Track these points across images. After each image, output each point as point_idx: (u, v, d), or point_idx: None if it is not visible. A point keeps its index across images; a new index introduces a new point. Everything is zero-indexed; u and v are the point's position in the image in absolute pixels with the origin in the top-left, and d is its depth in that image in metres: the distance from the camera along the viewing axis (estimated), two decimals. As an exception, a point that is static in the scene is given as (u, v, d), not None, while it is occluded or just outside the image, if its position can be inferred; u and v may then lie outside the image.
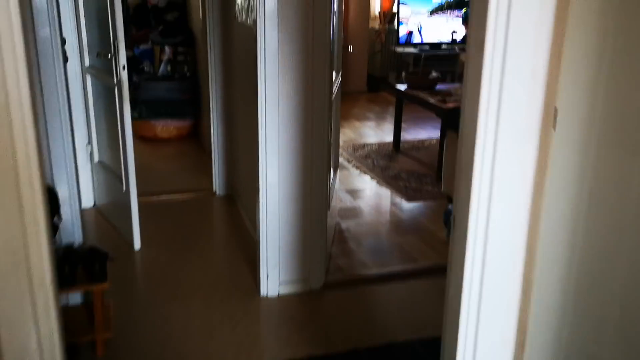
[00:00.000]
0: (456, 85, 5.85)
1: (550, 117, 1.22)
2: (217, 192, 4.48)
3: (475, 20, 1.25)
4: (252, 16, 3.18)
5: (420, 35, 8.18)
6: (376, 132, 6.45)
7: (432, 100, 4.94)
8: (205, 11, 4.36)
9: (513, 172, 1.31)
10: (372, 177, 4.94)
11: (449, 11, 8.23)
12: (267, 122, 2.86)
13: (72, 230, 2.88)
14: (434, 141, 6.00)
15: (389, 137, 6.13)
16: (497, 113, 1.24)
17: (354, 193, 4.61)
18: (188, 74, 5.67)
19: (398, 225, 4.08)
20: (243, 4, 3.50)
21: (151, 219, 3.93)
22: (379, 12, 8.49)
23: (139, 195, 3.56)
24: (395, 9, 8.35)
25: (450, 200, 4.43)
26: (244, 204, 4.04)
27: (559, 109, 1.18)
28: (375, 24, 8.59)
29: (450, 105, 4.78)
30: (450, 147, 4.33)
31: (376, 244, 3.76)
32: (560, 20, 1.16)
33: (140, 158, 4.83)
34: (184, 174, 4.92)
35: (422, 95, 5.11)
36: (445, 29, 8.24)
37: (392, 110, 7.44)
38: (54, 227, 2.71)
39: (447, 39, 8.23)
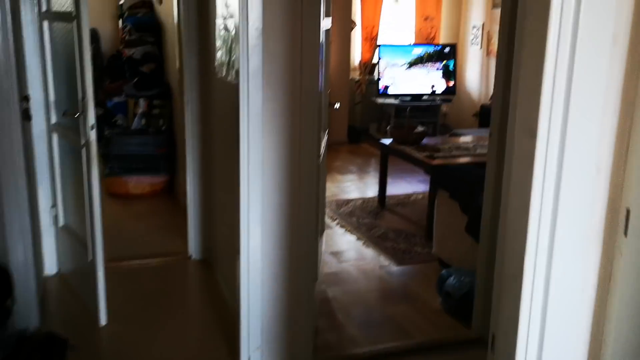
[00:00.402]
0: (442, 139, 5.68)
1: (615, 219, 0.98)
2: (193, 256, 4.16)
3: (525, 98, 1.01)
4: (234, 73, 2.96)
5: (400, 87, 8.09)
6: (359, 187, 6.22)
7: (419, 156, 4.74)
8: (182, 64, 4.14)
9: (572, 288, 1.05)
10: (358, 238, 4.67)
11: (428, 63, 8.18)
12: (249, 185, 2.60)
13: (28, 312, 2.55)
14: (420, 196, 5.78)
15: (372, 192, 5.91)
16: (552, 216, 1.00)
17: (339, 255, 4.33)
18: (163, 127, 5.40)
19: (389, 292, 3.80)
20: (223, 59, 3.28)
21: (120, 288, 3.59)
22: (359, 63, 8.40)
23: (107, 261, 3.24)
24: (375, 60, 8.27)
25: (443, 263, 4.20)
26: (222, 271, 3.72)
27: (632, 211, 0.95)
28: (356, 75, 8.49)
29: (439, 161, 4.58)
30: (440, 206, 4.11)
31: (366, 316, 3.46)
32: (628, 106, 0.94)
33: (111, 217, 4.51)
34: (156, 236, 4.59)
35: (409, 150, 4.92)
36: (426, 80, 8.16)
37: (374, 162, 7.25)
38: (6, 312, 2.38)
39: (427, 90, 8.15)
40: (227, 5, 3.13)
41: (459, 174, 3.92)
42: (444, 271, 3.66)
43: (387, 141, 5.31)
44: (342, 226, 4.91)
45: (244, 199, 2.58)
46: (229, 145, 3.13)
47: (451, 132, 6.41)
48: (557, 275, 1.04)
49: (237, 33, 2.53)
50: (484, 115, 7.81)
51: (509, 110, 1.13)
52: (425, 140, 5.23)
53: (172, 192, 5.49)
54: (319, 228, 3.36)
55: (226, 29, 3.16)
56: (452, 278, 3.53)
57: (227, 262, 3.57)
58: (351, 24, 7.95)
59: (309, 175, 2.63)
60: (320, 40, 2.63)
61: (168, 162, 5.43)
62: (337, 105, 3.48)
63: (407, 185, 6.17)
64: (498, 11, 8.06)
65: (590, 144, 0.95)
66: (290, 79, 2.51)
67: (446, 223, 4.02)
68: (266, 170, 2.58)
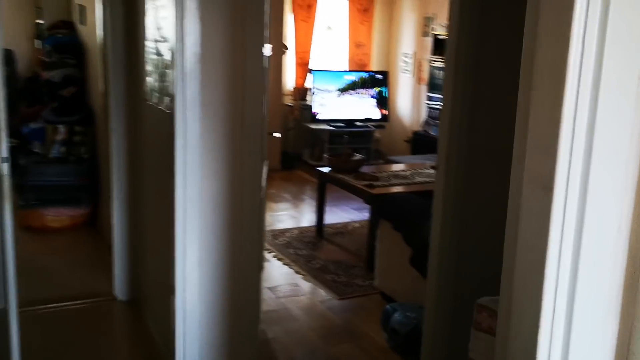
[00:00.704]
0: (379, 166, 5.61)
1: (636, 282, 0.86)
2: (119, 297, 3.83)
3: (536, 147, 0.86)
4: (167, 100, 2.73)
5: (333, 113, 8.03)
6: (295, 215, 6.04)
7: (359, 185, 4.63)
8: (107, 88, 3.85)
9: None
10: (296, 271, 4.47)
11: (361, 90, 8.18)
12: (186, 221, 2.38)
13: None
14: (358, 224, 5.67)
15: (308, 220, 5.74)
16: (571, 280, 0.86)
17: (277, 290, 4.12)
18: (86, 156, 5.04)
19: (332, 330, 3.61)
20: (154, 84, 3.04)
21: (37, 336, 3.22)
22: (293, 88, 8.28)
23: (22, 306, 2.88)
24: (308, 85, 8.18)
25: (386, 297, 4.07)
26: (153, 313, 3.42)
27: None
28: (289, 100, 8.36)
29: (379, 191, 4.48)
30: (383, 237, 3.99)
31: (310, 357, 3.26)
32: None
33: (26, 254, 4.10)
34: (78, 274, 4.21)
35: (348, 179, 4.80)
36: (359, 106, 8.15)
37: (309, 189, 7.10)
38: None
39: (360, 116, 8.14)
40: (158, 28, 2.91)
41: (401, 204, 3.83)
42: (388, 306, 3.52)
43: (325, 169, 5.17)
44: (279, 258, 4.71)
45: (180, 237, 2.35)
46: (161, 177, 2.89)
47: (386, 159, 6.37)
48: (576, 345, 0.90)
49: (172, 58, 2.32)
50: (416, 142, 7.87)
51: (513, 158, 0.98)
52: (363, 168, 5.13)
53: (95, 226, 5.11)
54: (260, 264, 3.15)
55: (158, 53, 2.93)
56: (397, 313, 3.39)
57: (158, 303, 3.28)
58: (283, 48, 7.84)
59: (252, 210, 2.44)
60: (263, 68, 2.47)
61: (91, 193, 5.06)
62: (276, 134, 3.31)
63: (343, 214, 6.05)
64: (428, 40, 8.27)
65: (613, 198, 0.83)
66: (231, 108, 2.32)
67: (389, 255, 3.91)
68: (205, 206, 2.36)
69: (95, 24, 4.43)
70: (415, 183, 4.76)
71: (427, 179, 4.87)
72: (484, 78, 2.79)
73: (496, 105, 2.86)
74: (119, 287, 3.83)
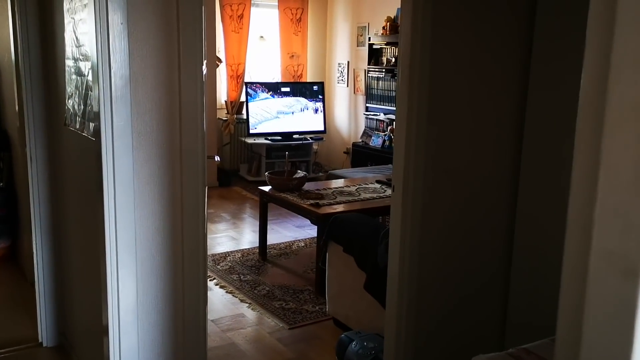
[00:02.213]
0: (322, 183, 5.41)
1: None
2: (45, 343, 3.42)
3: (610, 223, 0.64)
4: (91, 127, 2.41)
5: (269, 126, 7.79)
6: (235, 236, 5.74)
7: (304, 205, 4.40)
8: (23, 110, 3.45)
9: None
10: (241, 299, 4.19)
11: (297, 102, 7.98)
12: (120, 269, 2.06)
13: None
14: (302, 244, 5.44)
15: (249, 241, 5.47)
16: None
17: (222, 323, 3.82)
18: (1, 184, 4.56)
19: (284, 365, 3.36)
20: (76, 109, 2.71)
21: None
22: (226, 102, 7.98)
23: None
24: (243, 99, 7.90)
25: (338, 324, 3.84)
26: (84, 359, 3.06)
27: None
28: (223, 114, 8.04)
29: (326, 210, 4.27)
30: (333, 261, 3.77)
31: (263, 400, 3.00)
32: None
33: None
34: (-4, 319, 3.76)
35: (292, 198, 4.56)
36: (295, 119, 7.94)
37: (248, 207, 6.82)
38: None
39: (297, 129, 7.93)
40: (77, 45, 2.58)
41: (351, 225, 3.63)
42: (343, 336, 3.30)
43: (265, 188, 4.91)
44: (221, 286, 4.40)
45: (112, 277, 2.04)
46: (87, 211, 2.56)
47: (328, 173, 6.18)
48: None
49: (95, 80, 2.01)
50: (356, 154, 7.74)
51: (569, 223, 0.77)
52: (306, 186, 4.91)
53: (15, 261, 4.63)
54: (205, 299, 2.86)
55: (79, 73, 2.60)
56: (354, 344, 3.18)
57: (89, 348, 2.93)
58: (216, 61, 7.53)
59: (195, 248, 2.16)
60: (201, 87, 2.20)
61: (8, 225, 4.58)
62: (217, 158, 3.03)
63: (286, 232, 5.80)
64: (363, 49, 8.18)
65: None
66: (168, 134, 2.04)
67: (340, 279, 3.70)
68: (141, 246, 2.07)
69: (8, 38, 4.01)
70: (362, 200, 4.58)
71: (374, 195, 4.71)
72: (440, 91, 2.63)
73: (453, 119, 2.72)
74: (45, 331, 3.43)
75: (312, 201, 4.44)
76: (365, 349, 3.11)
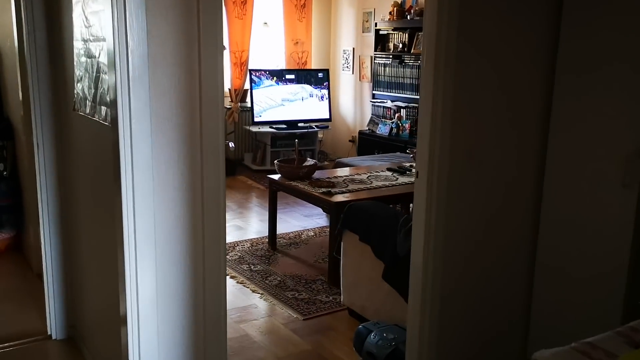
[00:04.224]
0: (330, 171, 5.30)
1: None
2: (54, 335, 3.33)
3: None
4: (103, 110, 2.30)
5: (274, 114, 7.68)
6: (243, 226, 5.64)
7: (315, 193, 4.30)
8: (28, 97, 3.33)
9: None
10: (253, 290, 4.10)
11: (302, 89, 7.86)
12: (138, 258, 1.96)
13: None
14: (312, 233, 5.35)
15: (257, 230, 5.37)
16: None
17: (235, 314, 3.73)
18: (5, 173, 4.45)
19: (301, 357, 3.27)
20: (86, 92, 2.59)
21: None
22: (230, 90, 7.85)
23: None
24: (247, 86, 7.78)
25: (354, 314, 3.75)
26: (96, 354, 2.97)
27: None
28: (227, 102, 7.91)
29: (340, 198, 4.17)
30: (348, 250, 3.68)
31: (282, 393, 2.91)
32: None
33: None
34: (4, 310, 3.67)
35: (302, 187, 4.46)
36: (300, 107, 7.83)
37: (254, 196, 6.72)
38: None
39: (302, 117, 7.82)
40: (87, 25, 2.47)
41: (367, 213, 3.53)
42: (361, 327, 3.21)
43: (275, 177, 4.81)
44: (232, 276, 4.31)
45: (131, 268, 1.95)
46: (101, 198, 2.45)
47: (335, 162, 6.07)
48: None
49: (112, 61, 1.90)
50: (362, 143, 7.63)
51: None
52: (316, 174, 4.81)
53: (21, 252, 4.53)
54: (224, 290, 2.76)
55: (89, 55, 2.48)
56: (372, 335, 3.09)
57: (102, 340, 2.84)
58: (219, 49, 7.39)
59: (215, 237, 2.06)
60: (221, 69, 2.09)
61: (14, 215, 4.47)
62: (231, 145, 2.93)
63: (294, 222, 5.70)
64: (369, 36, 8.04)
65: None
66: (188, 119, 1.94)
67: (356, 269, 3.60)
68: (160, 235, 1.97)
69: (11, 23, 3.89)
70: (375, 188, 4.48)
71: (386, 183, 4.61)
72: (466, 73, 2.52)
73: (478, 102, 2.61)
74: (54, 324, 3.34)
75: (323, 189, 4.34)
76: (385, 340, 3.03)
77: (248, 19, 7.72)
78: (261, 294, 4.03)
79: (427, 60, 2.51)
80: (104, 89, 2.32)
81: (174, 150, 1.93)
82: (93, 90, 2.51)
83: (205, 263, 2.05)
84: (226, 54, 7.74)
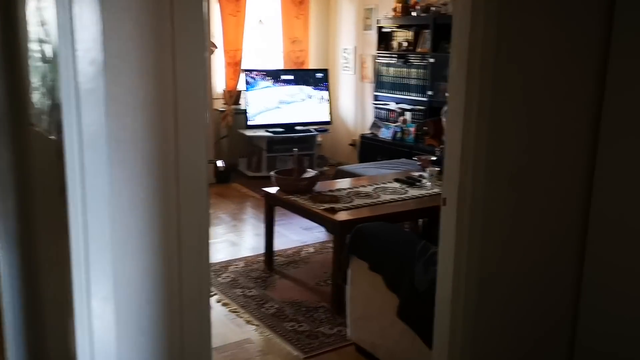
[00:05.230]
0: (333, 181, 4.85)
1: None
2: (16, 383, 2.87)
3: None
4: (57, 129, 1.84)
5: (270, 117, 7.21)
6: (236, 241, 5.18)
7: (317, 209, 3.84)
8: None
9: None
10: (247, 320, 3.64)
11: (300, 90, 7.40)
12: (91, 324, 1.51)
13: None
14: (311, 249, 4.90)
15: (252, 247, 4.92)
16: None
17: (226, 351, 3.28)
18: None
19: (303, 408, 2.82)
20: (42, 104, 2.14)
21: None
22: (223, 91, 7.38)
23: None
24: (241, 87, 7.31)
25: (362, 351, 3.27)
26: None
27: None
28: (219, 105, 7.45)
29: (344, 216, 3.72)
30: (356, 278, 3.23)
31: None
32: None
33: None
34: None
35: (302, 202, 4.00)
36: (298, 109, 7.36)
37: (249, 206, 6.27)
38: None
39: (300, 119, 7.35)
40: (42, 23, 2.01)
41: (378, 237, 3.08)
42: (373, 369, 2.77)
43: (272, 190, 4.35)
44: (224, 303, 3.85)
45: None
46: (60, 236, 2.00)
47: (336, 170, 5.62)
48: None
49: (57, 67, 1.44)
50: (364, 147, 7.18)
51: None
52: (317, 187, 4.36)
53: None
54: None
55: (44, 59, 2.03)
56: (387, 384, 2.64)
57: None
58: (211, 47, 6.93)
59: (196, 296, 1.61)
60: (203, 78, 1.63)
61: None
62: (220, 163, 2.47)
63: (292, 236, 5.25)
64: (370, 33, 7.57)
65: None
66: (159, 143, 1.48)
67: (365, 301, 3.15)
68: (123, 297, 1.51)
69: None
70: (382, 203, 4.03)
71: (395, 197, 4.16)
72: (505, 79, 2.08)
73: (522, 113, 2.17)
74: (15, 367, 2.87)
75: (326, 205, 3.88)
76: (402, 392, 2.58)
77: (242, 16, 7.26)
78: (257, 325, 3.57)
79: (457, 63, 2.06)
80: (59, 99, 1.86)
81: (141, 185, 1.48)
82: (49, 102, 2.05)
83: (183, 331, 1.60)
84: (220, 54, 7.27)
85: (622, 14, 2.20)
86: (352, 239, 3.18)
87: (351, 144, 7.80)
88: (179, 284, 1.54)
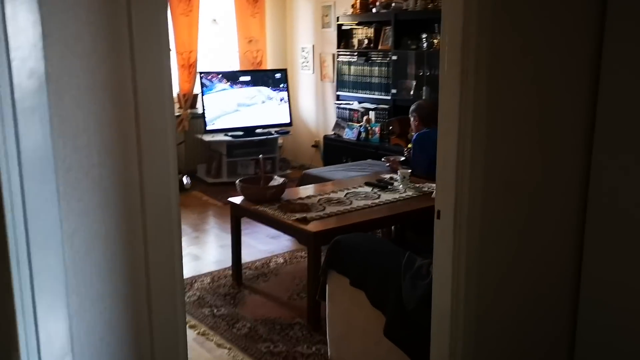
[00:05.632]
0: (301, 188, 4.62)
1: None
2: None
3: None
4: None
5: (229, 121, 6.93)
6: (201, 255, 4.90)
7: (288, 220, 3.61)
8: None
9: None
10: (218, 343, 3.38)
11: (258, 91, 7.14)
12: None
13: None
14: (281, 259, 4.66)
15: (217, 260, 4.65)
16: None
17: (198, 380, 3.01)
18: None
19: None
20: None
21: None
22: (178, 95, 7.05)
23: None
24: (197, 91, 7.00)
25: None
26: None
27: None
28: (175, 109, 7.10)
29: (317, 226, 3.49)
30: (335, 295, 3.01)
31: None
32: None
33: None
34: None
35: (271, 213, 3.76)
36: (258, 111, 7.10)
37: (210, 216, 5.97)
38: None
39: (260, 122, 7.09)
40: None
41: (360, 251, 2.87)
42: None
43: (237, 200, 4.09)
44: (192, 326, 3.58)
45: None
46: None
47: (302, 174, 5.39)
48: None
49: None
50: (328, 149, 6.98)
51: None
52: (286, 194, 4.12)
53: None
54: None
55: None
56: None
57: None
58: (164, 50, 6.58)
59: (173, 354, 1.35)
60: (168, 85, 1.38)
61: None
62: (186, 181, 2.21)
63: (259, 246, 4.99)
64: (329, 31, 7.35)
65: None
66: (119, 168, 1.23)
67: (347, 319, 2.94)
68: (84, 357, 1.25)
69: None
70: (356, 209, 3.82)
71: (368, 202, 3.96)
72: (501, 86, 1.90)
73: (517, 123, 1.99)
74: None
75: (297, 215, 3.65)
76: (395, 419, 2.38)
77: (195, 16, 6.94)
78: (228, 348, 3.32)
79: (449, 63, 1.87)
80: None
81: (99, 220, 1.22)
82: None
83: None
84: (172, 56, 6.93)
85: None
86: (330, 252, 2.96)
87: (314, 146, 7.59)
88: (150, 338, 1.29)
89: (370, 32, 6.52)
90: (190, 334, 3.48)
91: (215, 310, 3.76)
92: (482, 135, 1.86)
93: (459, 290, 1.96)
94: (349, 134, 6.72)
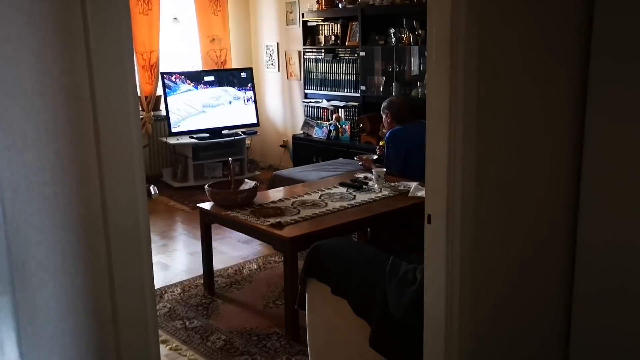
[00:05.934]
0: (273, 191, 4.45)
1: None
2: None
3: None
4: None
5: (193, 122, 6.71)
6: (170, 263, 4.69)
7: (262, 226, 3.44)
8: None
9: None
10: (191, 358, 3.19)
11: (223, 91, 6.93)
12: None
13: None
14: (254, 265, 4.49)
15: (189, 269, 4.45)
16: None
17: (173, 400, 2.83)
18: None
19: None
20: None
21: None
22: (140, 97, 6.79)
23: None
24: (159, 92, 6.76)
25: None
26: None
27: None
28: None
29: (293, 231, 3.33)
30: (315, 304, 2.87)
31: None
32: None
33: None
34: None
35: (243, 218, 3.59)
36: (223, 112, 6.90)
37: (178, 222, 5.76)
38: None
39: (226, 123, 6.89)
40: None
41: (341, 257, 2.73)
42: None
43: (206, 205, 3.90)
44: (163, 341, 3.38)
45: None
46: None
47: (273, 175, 5.21)
48: None
49: None
50: (298, 149, 6.82)
51: None
52: (258, 198, 3.95)
53: None
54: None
55: None
56: None
57: None
58: (124, 50, 6.33)
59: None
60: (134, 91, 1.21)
61: None
62: (153, 191, 2.04)
63: (230, 251, 4.81)
64: (294, 28, 7.19)
65: None
66: (77, 184, 1.05)
67: (329, 328, 2.79)
68: None
69: None
70: (332, 212, 3.68)
71: (344, 203, 3.82)
72: (492, 82, 1.78)
73: (508, 120, 1.88)
74: None
75: (271, 220, 3.49)
76: None
77: (155, 14, 6.70)
78: (204, 364, 3.14)
79: (437, 58, 1.74)
80: None
81: (52, 247, 1.04)
82: None
83: None
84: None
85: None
86: (308, 259, 2.81)
87: (282, 145, 7.43)
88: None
89: (336, 28, 6.39)
90: (162, 349, 3.29)
91: (187, 323, 3.57)
92: (473, 134, 1.74)
93: (453, 299, 1.84)
94: (318, 133, 6.58)
